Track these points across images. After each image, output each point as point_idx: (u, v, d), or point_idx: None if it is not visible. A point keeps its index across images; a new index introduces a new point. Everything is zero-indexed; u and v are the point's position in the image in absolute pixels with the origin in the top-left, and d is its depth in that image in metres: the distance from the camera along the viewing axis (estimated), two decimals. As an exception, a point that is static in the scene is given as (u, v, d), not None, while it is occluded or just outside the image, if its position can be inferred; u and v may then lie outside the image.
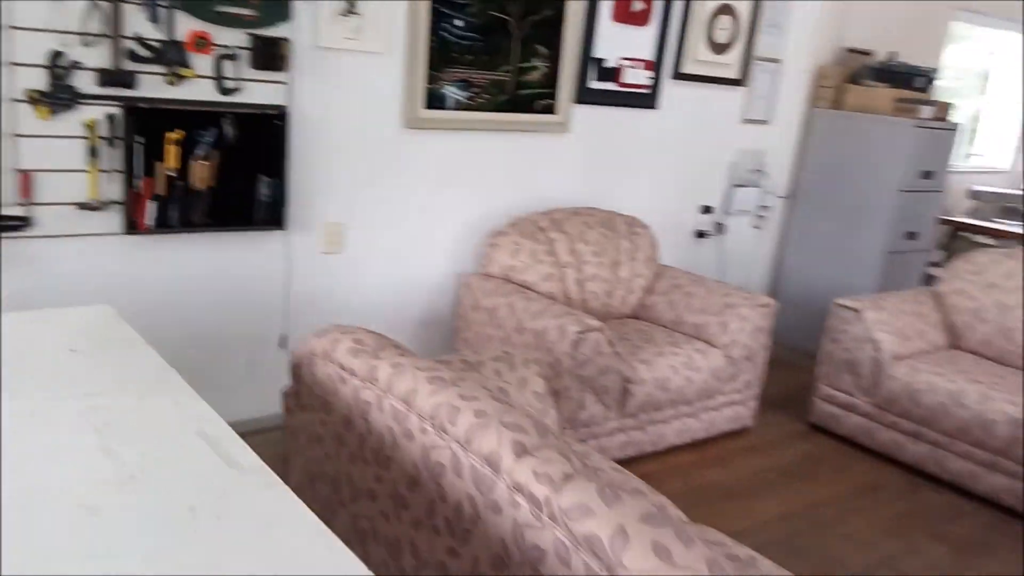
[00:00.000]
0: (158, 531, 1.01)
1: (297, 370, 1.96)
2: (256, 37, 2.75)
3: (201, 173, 2.78)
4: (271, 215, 2.94)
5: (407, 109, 3.15)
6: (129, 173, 2.64)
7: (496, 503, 1.34)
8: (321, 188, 3.05)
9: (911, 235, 4.25)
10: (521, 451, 1.33)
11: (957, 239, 5.28)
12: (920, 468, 3.17)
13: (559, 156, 3.64)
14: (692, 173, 4.11)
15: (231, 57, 2.74)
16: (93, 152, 2.59)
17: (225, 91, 2.75)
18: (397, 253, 3.31)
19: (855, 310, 3.36)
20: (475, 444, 1.39)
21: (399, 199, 3.25)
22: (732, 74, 4.06)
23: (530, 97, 3.45)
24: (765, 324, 3.28)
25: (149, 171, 2.66)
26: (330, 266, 3.15)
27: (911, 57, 4.74)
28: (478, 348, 3.10)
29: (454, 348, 3.39)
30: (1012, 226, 5.17)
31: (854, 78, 4.31)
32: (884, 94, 4.14)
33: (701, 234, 4.21)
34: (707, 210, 4.21)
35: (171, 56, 2.63)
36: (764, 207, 4.42)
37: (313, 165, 3.01)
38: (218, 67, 2.72)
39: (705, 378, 3.13)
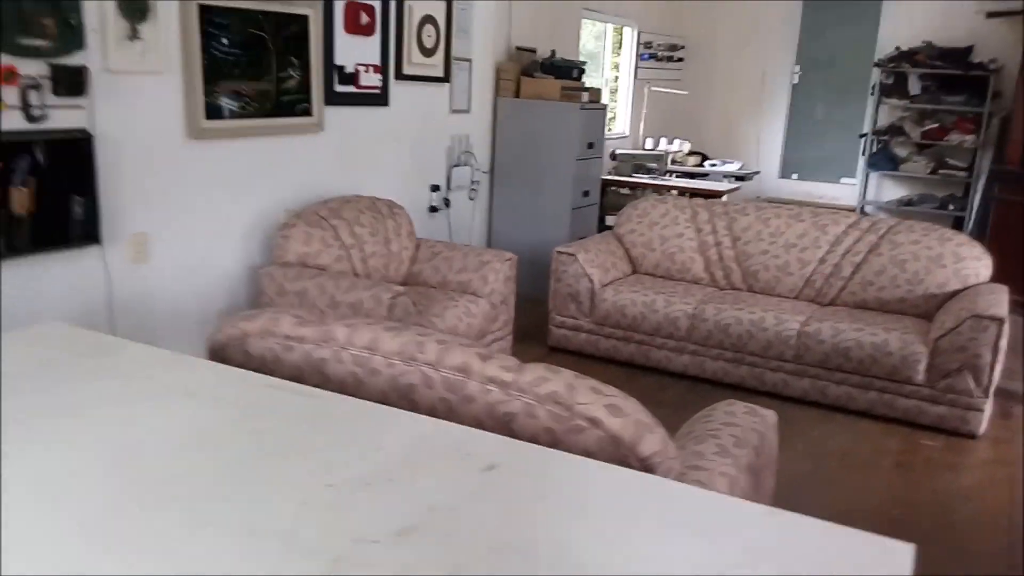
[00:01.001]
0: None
1: (220, 352, 2.39)
2: (56, 66, 2.95)
3: (20, 200, 2.92)
4: (86, 232, 3.14)
5: (190, 121, 3.48)
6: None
7: (470, 396, 2.02)
8: (126, 202, 3.29)
9: (586, 193, 5.45)
10: (485, 357, 2.02)
11: (608, 193, 6.69)
12: (632, 362, 4.32)
13: (319, 152, 4.17)
14: (421, 158, 4.87)
15: (35, 87, 2.91)
16: (-85, 189, 2.64)
17: (32, 119, 2.92)
18: (196, 254, 3.64)
19: (571, 254, 4.40)
20: (446, 361, 2.04)
21: (192, 204, 3.58)
22: (439, 73, 4.87)
23: (291, 103, 3.94)
24: (512, 273, 4.18)
25: (-29, 202, 2.77)
26: (142, 275, 3.41)
27: (560, 50, 5.94)
28: None
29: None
30: (642, 179, 6.69)
31: (526, 71, 5.37)
32: (552, 84, 5.25)
33: (433, 208, 5.00)
34: (435, 188, 5.01)
35: (-20, 89, 2.76)
36: (475, 182, 5.33)
37: (118, 181, 3.25)
38: (24, 97, 2.88)
39: (479, 322, 3.95)
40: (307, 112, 4.03)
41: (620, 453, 1.86)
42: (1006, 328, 3.54)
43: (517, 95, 5.37)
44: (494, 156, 5.48)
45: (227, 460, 1.50)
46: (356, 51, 4.27)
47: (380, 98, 4.49)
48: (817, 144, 7.83)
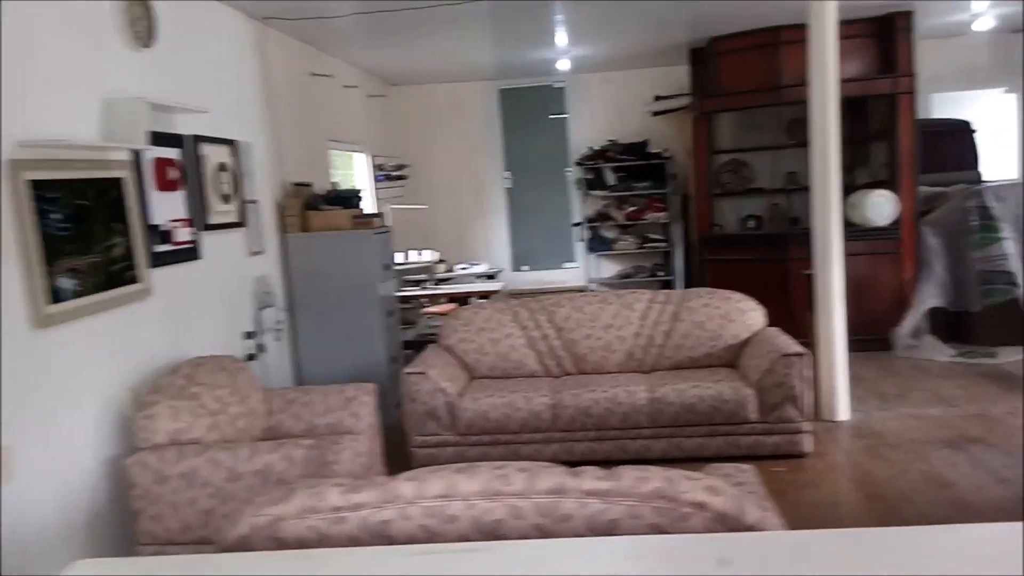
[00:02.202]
0: None
1: (243, 547, 2.12)
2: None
3: None
4: (-51, 461, 2.54)
5: (34, 309, 2.99)
6: None
7: (566, 514, 2.04)
8: (-16, 415, 2.72)
9: (390, 313, 5.48)
10: (575, 474, 2.07)
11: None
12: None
13: (148, 319, 3.75)
14: (232, 306, 4.57)
15: None
16: None
17: None
18: (57, 459, 3.08)
19: (421, 373, 4.41)
20: (537, 486, 2.05)
21: (45, 403, 3.04)
22: (235, 218, 4.65)
23: (119, 272, 3.53)
24: (374, 404, 4.09)
25: None
26: (11, 497, 2.80)
27: (317, 181, 5.96)
28: (174, 517, 3.18)
29: (140, 532, 3.28)
30: (420, 290, 6.85)
31: (310, 205, 5.32)
32: (341, 215, 5.26)
33: (251, 357, 4.69)
34: (250, 335, 4.71)
35: None
36: (279, 321, 5.10)
37: (-25, 392, 2.68)
38: None
39: (366, 459, 3.80)
40: (134, 279, 3.63)
41: (729, 528, 2.03)
42: (808, 360, 4.29)
43: (305, 229, 5.28)
44: (290, 293, 5.30)
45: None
46: (167, 207, 3.96)
47: (192, 252, 4.18)
48: (537, 237, 8.63)
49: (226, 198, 4.55)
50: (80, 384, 3.24)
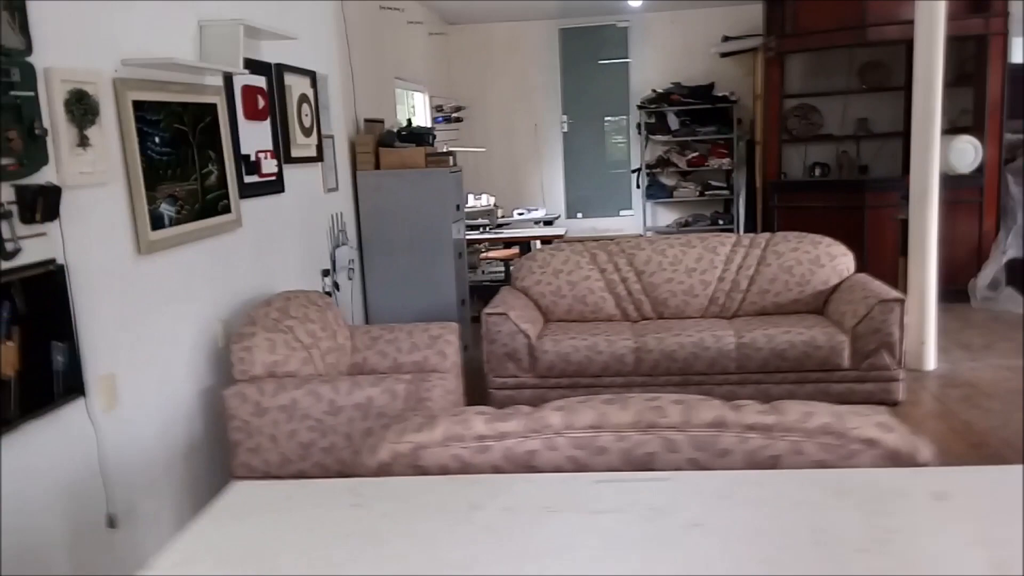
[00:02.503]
0: None
1: (383, 473, 2.08)
2: (22, 188, 2.36)
3: (8, 357, 2.28)
4: (68, 385, 2.52)
5: (139, 236, 2.94)
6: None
7: (725, 449, 1.98)
8: (95, 340, 2.69)
9: (460, 255, 5.41)
10: (736, 407, 1.99)
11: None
12: (585, 406, 4.37)
13: (240, 251, 3.71)
14: (310, 243, 4.51)
15: (6, 216, 2.30)
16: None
17: (7, 255, 2.30)
18: (157, 388, 3.06)
19: (502, 314, 4.35)
20: (695, 419, 1.98)
21: (149, 332, 3.01)
22: (314, 153, 4.57)
23: (214, 200, 3.48)
24: (458, 343, 4.04)
25: (-36, 371, 2.12)
26: (116, 424, 2.79)
27: (387, 119, 5.85)
28: (273, 450, 3.17)
29: (237, 464, 3.27)
30: (486, 235, 6.76)
31: (383, 143, 5.22)
32: (416, 152, 5.16)
33: (328, 294, 4.65)
34: (326, 273, 4.66)
35: (-44, 226, 2.13)
36: (351, 260, 5.05)
37: (87, 317, 2.65)
38: (-4, 229, 2.27)
39: (456, 398, 3.76)
40: (227, 209, 3.58)
41: (901, 466, 1.95)
42: (910, 305, 4.18)
43: (377, 167, 5.19)
44: (360, 232, 5.23)
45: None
46: (255, 138, 3.89)
47: (278, 185, 4.11)
48: (593, 183, 8.49)
49: (307, 132, 4.46)
50: (178, 313, 3.21)
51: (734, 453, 1.98)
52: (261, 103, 3.90)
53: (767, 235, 4.84)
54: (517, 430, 2.04)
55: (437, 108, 7.26)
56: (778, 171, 7.14)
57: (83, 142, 2.64)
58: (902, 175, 7.37)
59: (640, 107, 7.91)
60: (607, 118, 8.41)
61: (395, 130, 5.34)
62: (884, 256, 5.87)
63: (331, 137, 4.82)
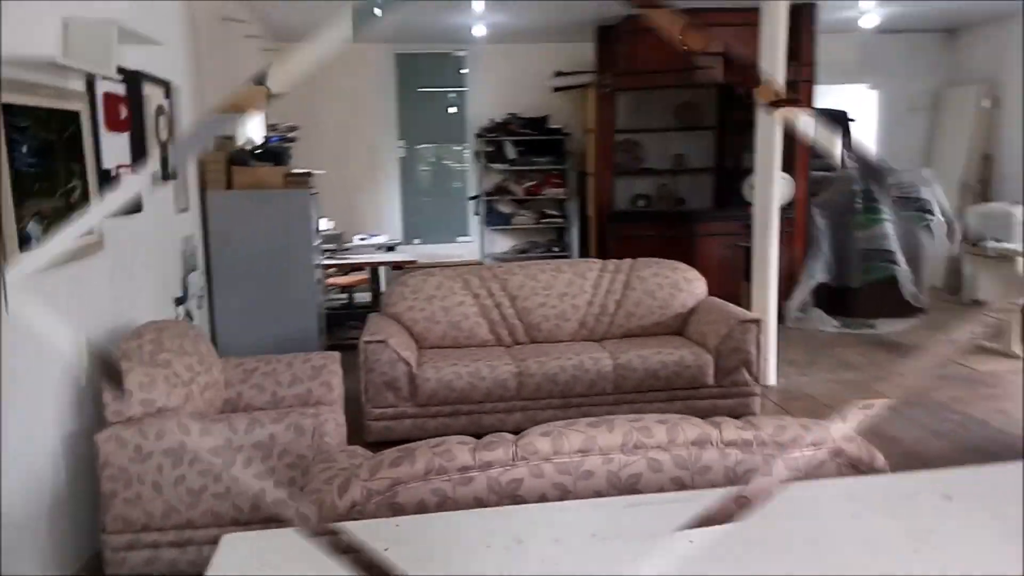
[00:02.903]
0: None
1: (355, 516, 1.95)
2: None
3: None
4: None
5: (4, 258, 2.58)
6: None
7: (706, 466, 2.04)
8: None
9: (319, 281, 5.18)
10: (715, 424, 2.06)
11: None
12: (466, 435, 4.31)
13: (102, 276, 3.34)
14: (164, 268, 4.14)
15: None
16: None
17: None
18: (17, 436, 2.67)
19: (382, 341, 4.22)
20: (679, 438, 2.02)
21: (10, 372, 2.62)
22: (168, 169, 4.20)
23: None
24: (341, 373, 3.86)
25: None
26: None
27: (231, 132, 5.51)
28: (156, 499, 2.87)
29: (111, 518, 2.90)
30: (335, 260, 6.51)
31: (236, 160, 4.91)
32: (274, 172, 4.90)
33: (183, 325, 4.27)
34: (180, 301, 4.29)
35: None
36: (202, 287, 4.68)
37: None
38: None
39: (342, 430, 3.58)
40: (90, 230, 3.22)
41: (860, 472, 2.11)
42: (762, 326, 4.52)
43: (229, 186, 4.87)
44: (209, 256, 4.87)
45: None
46: (116, 151, 3.54)
47: (135, 204, 3.75)
48: (431, 210, 8.47)
49: (163, 146, 4.11)
50: (41, 349, 2.82)
51: (714, 469, 2.05)
52: (124, 113, 3.55)
53: (630, 261, 5.07)
54: (503, 459, 1.99)
55: (271, 127, 6.95)
56: (610, 201, 7.51)
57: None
58: (714, 206, 8.06)
59: (478, 135, 8.02)
60: (445, 145, 8.46)
61: (248, 147, 5.05)
62: (720, 281, 6.32)
63: (183, 154, 4.47)
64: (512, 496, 1.99)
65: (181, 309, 4.33)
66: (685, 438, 2.04)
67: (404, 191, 8.30)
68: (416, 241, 8.22)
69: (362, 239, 7.16)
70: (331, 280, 6.80)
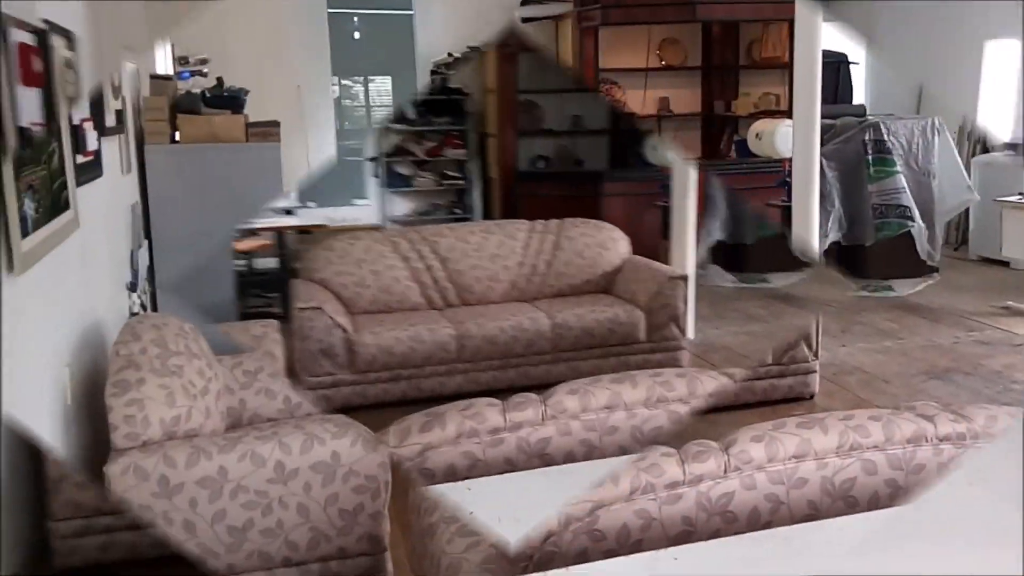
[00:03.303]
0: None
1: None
2: None
3: None
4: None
5: (10, 245, 2.31)
6: None
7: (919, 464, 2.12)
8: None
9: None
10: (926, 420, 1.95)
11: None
12: (406, 399, 4.26)
13: (75, 260, 3.02)
14: (115, 246, 3.74)
15: None
16: None
17: None
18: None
19: (317, 308, 4.11)
20: (699, 390, 2.10)
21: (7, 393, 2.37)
22: (115, 121, 3.76)
23: (59, 191, 2.80)
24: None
25: None
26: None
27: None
28: (190, 541, 2.56)
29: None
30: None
31: (181, 107, 4.42)
32: (233, 121, 4.45)
33: (133, 315, 3.88)
34: (132, 287, 3.93)
35: None
36: (147, 268, 4.32)
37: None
38: None
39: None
40: (67, 203, 2.90)
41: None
42: (690, 282, 4.70)
43: (173, 140, 4.44)
44: (149, 228, 4.45)
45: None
46: (30, 109, 3.23)
47: (97, 166, 3.41)
48: (324, 171, 8.21)
49: (116, 91, 3.76)
50: (31, 360, 2.51)
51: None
52: (38, 65, 3.23)
53: (557, 222, 5.13)
54: (533, 418, 2.01)
55: (180, 60, 6.40)
56: (515, 162, 7.55)
57: None
58: (611, 167, 8.20)
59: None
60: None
61: (198, 91, 4.60)
62: (634, 240, 6.47)
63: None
64: (541, 455, 2.02)
65: (134, 298, 3.96)
66: (703, 391, 2.13)
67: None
68: (310, 204, 7.94)
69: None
70: (238, 245, 6.47)
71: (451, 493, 1.92)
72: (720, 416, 4.29)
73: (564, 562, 1.55)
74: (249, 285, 6.28)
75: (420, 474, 1.91)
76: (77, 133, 3.07)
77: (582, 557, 1.57)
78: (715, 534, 1.64)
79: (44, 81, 3.35)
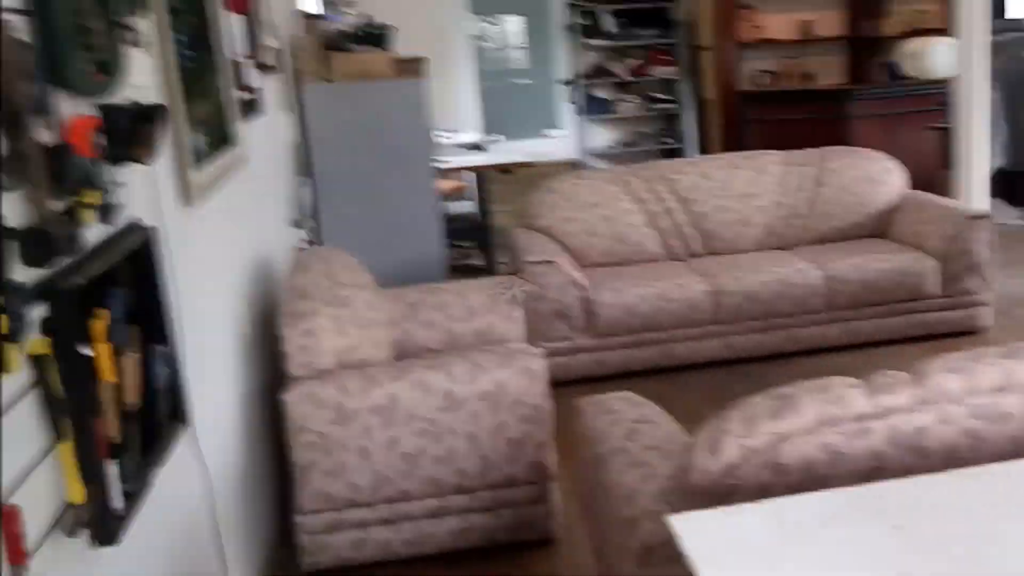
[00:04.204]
0: None
1: (717, 491, 1.68)
2: (114, 109, 1.65)
3: (133, 375, 1.61)
4: (172, 410, 1.86)
5: (186, 178, 2.25)
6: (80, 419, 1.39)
7: None
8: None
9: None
10: None
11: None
12: (655, 368, 4.03)
13: (246, 197, 3.03)
14: (279, 184, 3.81)
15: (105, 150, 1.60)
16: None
17: (107, 213, 1.61)
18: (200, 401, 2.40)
19: (550, 262, 3.91)
20: None
21: (191, 321, 2.33)
22: (274, 60, 3.81)
23: (223, 125, 2.76)
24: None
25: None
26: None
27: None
28: (364, 469, 2.60)
29: (306, 495, 2.65)
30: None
31: (331, 46, 4.47)
32: (380, 58, 4.47)
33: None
34: (297, 224, 3.97)
35: (69, 168, 1.43)
36: (311, 205, 4.36)
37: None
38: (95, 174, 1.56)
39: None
40: (234, 139, 2.88)
41: None
42: (993, 223, 4.18)
43: (327, 79, 4.46)
44: (311, 166, 4.50)
45: None
46: (236, 36, 3.17)
47: (259, 104, 3.40)
48: (513, 99, 8.06)
49: (271, 31, 3.73)
50: (209, 292, 2.51)
51: None
52: (248, -11, 3.16)
53: (815, 151, 4.67)
54: (904, 403, 1.72)
55: (328, 4, 6.41)
56: (734, 81, 7.06)
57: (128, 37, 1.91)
58: (849, 84, 7.56)
59: (571, 4, 7.49)
60: (528, 14, 7.94)
61: (345, 29, 4.61)
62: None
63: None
64: (915, 447, 1.72)
65: (301, 233, 4.00)
66: None
67: (481, 75, 7.84)
68: (499, 138, 7.79)
69: (445, 138, 6.76)
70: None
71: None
72: (880, 349, 4.09)
73: (745, 496, 1.60)
74: (449, 235, 6.22)
75: (771, 469, 1.66)
76: (238, 69, 3.02)
77: (764, 492, 1.61)
78: (907, 472, 1.63)
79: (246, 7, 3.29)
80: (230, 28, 3.01)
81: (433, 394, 2.65)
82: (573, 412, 2.38)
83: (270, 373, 2.97)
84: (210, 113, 2.58)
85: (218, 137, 2.64)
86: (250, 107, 3.25)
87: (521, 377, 2.70)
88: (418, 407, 2.64)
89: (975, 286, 4.19)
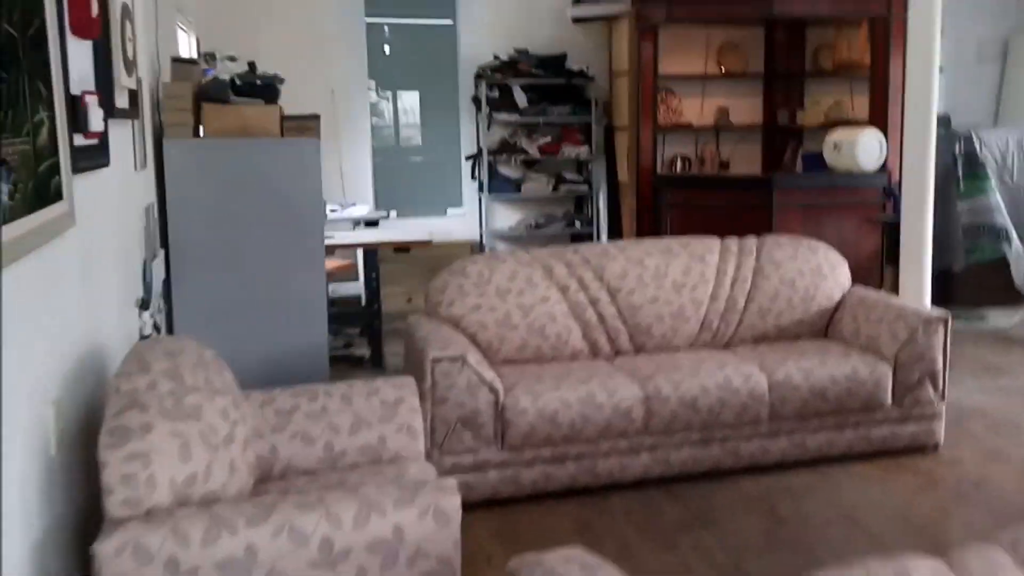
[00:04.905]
0: None
1: None
2: None
3: None
4: None
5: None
6: None
7: None
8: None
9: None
10: None
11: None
12: (574, 488, 3.47)
13: (70, 268, 2.37)
14: (126, 255, 3.14)
15: None
16: None
17: None
18: None
19: (457, 358, 3.33)
20: None
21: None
22: (127, 103, 3.17)
23: (47, 175, 2.13)
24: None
25: None
26: None
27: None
28: None
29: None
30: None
31: (207, 95, 3.89)
32: (267, 113, 3.91)
33: (143, 338, 3.25)
34: (144, 305, 3.26)
35: None
36: (162, 280, 3.68)
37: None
38: None
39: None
40: (59, 192, 2.24)
41: None
42: (950, 326, 3.84)
43: (196, 133, 3.86)
44: (167, 236, 3.83)
45: None
46: (82, 68, 2.55)
47: (103, 153, 2.77)
48: (411, 172, 7.53)
49: (129, 67, 3.11)
50: (5, 394, 1.84)
51: None
52: (95, 8, 2.54)
53: (755, 239, 4.29)
54: None
55: (207, 57, 5.85)
56: (654, 164, 6.75)
57: None
58: (764, 173, 7.36)
59: (478, 76, 7.07)
60: (430, 88, 7.50)
61: (226, 78, 4.02)
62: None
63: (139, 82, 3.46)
64: None
65: (146, 317, 3.30)
66: None
67: (375, 149, 7.30)
68: (391, 214, 7.21)
69: (332, 210, 6.17)
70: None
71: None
72: (832, 468, 3.72)
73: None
74: (331, 320, 5.58)
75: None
76: (77, 106, 2.40)
77: None
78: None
79: (99, 31, 2.69)
80: (68, 53, 2.39)
81: (305, 544, 2.03)
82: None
83: (88, 511, 2.27)
84: (22, 156, 1.94)
85: (33, 188, 2.00)
86: (89, 156, 2.61)
87: (426, 520, 2.11)
88: (284, 562, 2.02)
89: (927, 396, 3.82)
